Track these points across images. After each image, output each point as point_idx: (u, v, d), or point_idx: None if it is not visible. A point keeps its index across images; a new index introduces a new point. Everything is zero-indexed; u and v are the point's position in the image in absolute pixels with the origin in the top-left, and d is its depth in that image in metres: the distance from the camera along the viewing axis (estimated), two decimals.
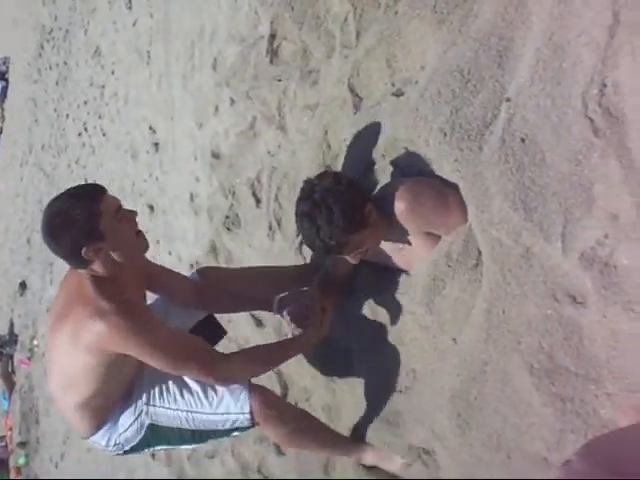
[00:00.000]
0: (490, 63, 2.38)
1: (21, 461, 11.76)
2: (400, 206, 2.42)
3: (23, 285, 12.92)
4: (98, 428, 2.85)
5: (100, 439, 2.87)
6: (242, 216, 4.42)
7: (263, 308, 3.28)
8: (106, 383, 2.68)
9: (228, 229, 4.53)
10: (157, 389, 2.79)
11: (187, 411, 2.75)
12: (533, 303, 2.14)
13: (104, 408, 2.81)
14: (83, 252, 2.47)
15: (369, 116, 3.12)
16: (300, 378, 3.54)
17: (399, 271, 2.83)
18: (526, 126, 2.19)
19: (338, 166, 3.29)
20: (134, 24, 7.79)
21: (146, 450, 2.94)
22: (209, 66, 5.14)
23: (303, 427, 2.91)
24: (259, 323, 4.01)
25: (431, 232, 2.55)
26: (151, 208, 6.41)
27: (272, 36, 4.21)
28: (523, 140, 2.19)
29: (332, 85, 3.51)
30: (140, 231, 2.69)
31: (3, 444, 13.29)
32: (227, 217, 4.55)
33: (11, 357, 13.45)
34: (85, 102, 10.00)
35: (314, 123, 3.66)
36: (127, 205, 2.67)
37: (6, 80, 19.36)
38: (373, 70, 3.18)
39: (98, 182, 2.77)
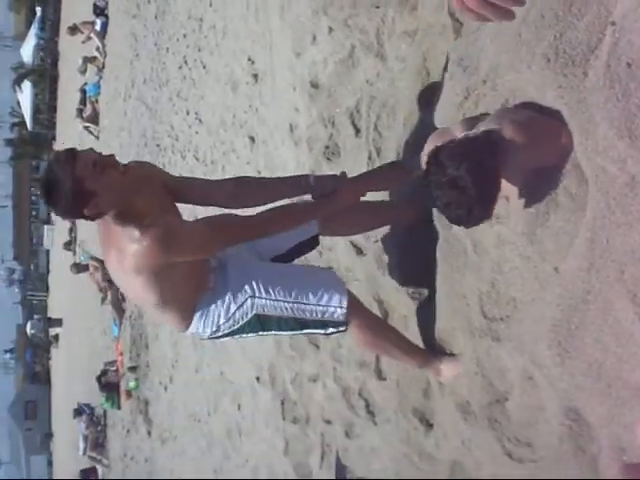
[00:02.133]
0: None
1: (132, 385, 12.29)
2: (504, 139, 2.37)
3: None
4: (188, 321, 3.11)
5: (194, 329, 3.13)
6: (342, 146, 4.44)
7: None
8: (170, 289, 2.96)
9: (328, 159, 4.56)
10: (261, 283, 3.01)
11: (294, 302, 2.97)
12: (638, 232, 2.11)
13: (184, 307, 3.08)
14: (86, 213, 2.78)
15: (470, 42, 3.06)
16: (401, 306, 3.59)
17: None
18: (632, 50, 2.12)
19: (437, 95, 3.27)
20: None
21: (243, 335, 3.15)
22: None
23: (388, 335, 3.18)
24: (359, 251, 4.06)
25: (533, 161, 2.51)
26: (252, 139, 6.49)
27: None
28: (629, 65, 2.12)
29: (431, 11, 3.46)
30: (125, 166, 2.92)
31: (114, 369, 13.98)
32: (327, 147, 4.58)
33: None
34: (184, 35, 10.08)
35: (413, 50, 3.62)
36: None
37: (106, 16, 19.52)
38: None
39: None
